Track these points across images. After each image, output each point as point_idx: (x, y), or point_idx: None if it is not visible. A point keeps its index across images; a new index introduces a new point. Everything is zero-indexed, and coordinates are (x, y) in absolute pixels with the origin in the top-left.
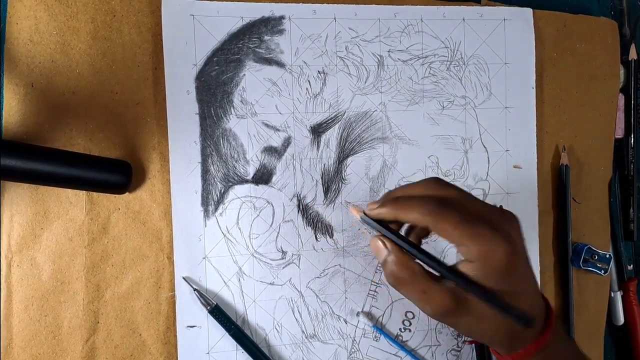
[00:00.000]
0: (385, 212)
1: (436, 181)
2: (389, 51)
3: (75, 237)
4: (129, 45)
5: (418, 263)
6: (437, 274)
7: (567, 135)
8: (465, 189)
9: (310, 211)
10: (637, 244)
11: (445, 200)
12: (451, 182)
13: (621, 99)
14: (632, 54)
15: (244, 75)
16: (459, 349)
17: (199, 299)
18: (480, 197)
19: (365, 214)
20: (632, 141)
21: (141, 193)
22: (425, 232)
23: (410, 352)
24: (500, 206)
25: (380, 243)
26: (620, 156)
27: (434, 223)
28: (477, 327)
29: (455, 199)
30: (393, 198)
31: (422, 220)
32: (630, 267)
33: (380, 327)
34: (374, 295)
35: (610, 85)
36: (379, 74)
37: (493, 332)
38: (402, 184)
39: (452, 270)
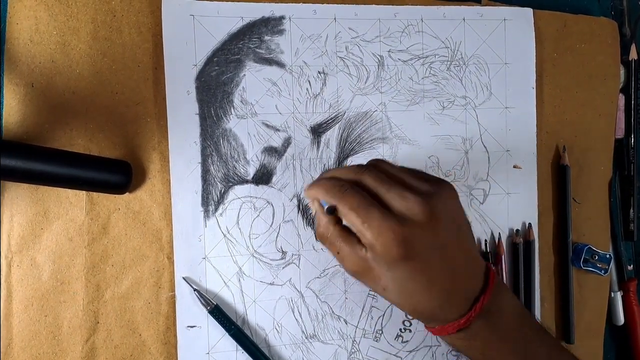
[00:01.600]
0: (311, 192)
1: (360, 165)
2: (389, 51)
3: (75, 237)
4: (129, 45)
5: (338, 225)
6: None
7: (567, 136)
8: (465, 189)
9: (310, 211)
10: (637, 244)
11: (358, 183)
12: (383, 164)
13: (621, 99)
14: (633, 54)
15: (244, 75)
16: None
17: (199, 299)
18: (481, 197)
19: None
20: (632, 141)
21: (141, 193)
22: None
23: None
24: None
25: (315, 202)
26: (620, 156)
27: (338, 205)
28: (386, 296)
29: (368, 183)
30: (319, 177)
31: (328, 201)
32: (631, 267)
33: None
34: (374, 295)
35: (611, 86)
36: (379, 74)
37: (403, 307)
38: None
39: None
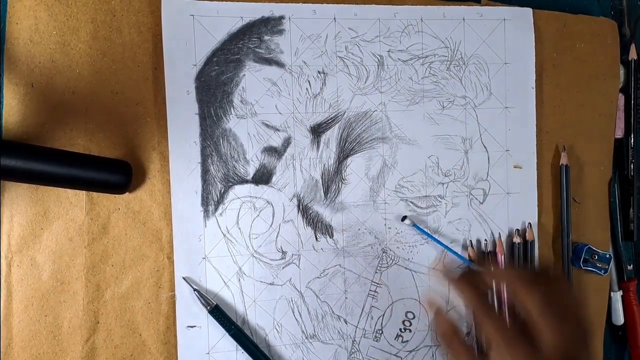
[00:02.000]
0: (454, 288)
1: (537, 275)
2: (388, 51)
3: (75, 237)
4: (129, 45)
5: (464, 339)
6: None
7: (567, 135)
8: (465, 188)
9: (310, 211)
10: (637, 244)
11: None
12: (560, 276)
13: (621, 99)
14: (632, 54)
15: (244, 75)
16: None
17: (199, 299)
18: (480, 197)
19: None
20: (632, 141)
21: (141, 193)
22: None
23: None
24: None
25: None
26: (620, 156)
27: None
28: None
29: (527, 303)
30: (457, 274)
31: (487, 338)
32: (630, 267)
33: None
34: (374, 295)
35: (610, 85)
36: (379, 74)
37: None
38: (402, 184)
39: None
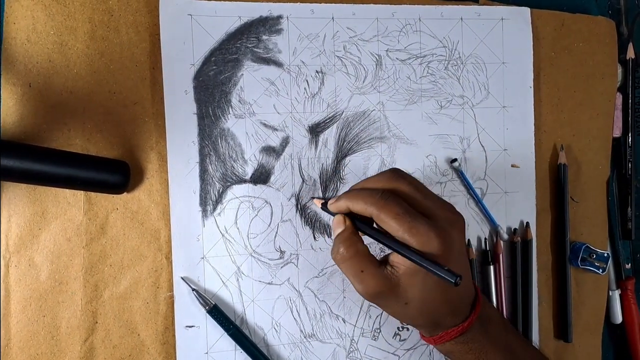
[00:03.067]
0: (340, 204)
1: (392, 173)
2: (387, 50)
3: (74, 237)
4: (127, 44)
5: (364, 246)
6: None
7: (565, 134)
8: (463, 188)
9: (309, 211)
10: (635, 243)
11: (394, 192)
12: (408, 174)
13: (619, 98)
14: (630, 53)
15: (242, 75)
16: None
17: (197, 299)
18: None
19: (325, 205)
20: (629, 140)
21: (139, 193)
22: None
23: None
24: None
25: (341, 218)
26: (618, 155)
27: (376, 214)
28: (404, 312)
29: (405, 191)
30: (348, 190)
31: (366, 211)
32: (628, 266)
33: None
34: None
35: (608, 85)
36: (377, 74)
37: (419, 317)
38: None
39: (397, 242)
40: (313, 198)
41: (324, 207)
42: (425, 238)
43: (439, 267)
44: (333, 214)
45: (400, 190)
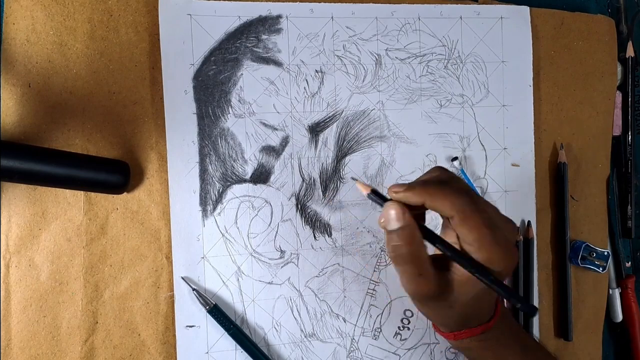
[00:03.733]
0: (411, 196)
1: (450, 174)
2: (386, 50)
3: (74, 237)
4: (126, 44)
5: (426, 247)
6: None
7: (564, 133)
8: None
9: (309, 210)
10: (635, 241)
11: (474, 197)
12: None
13: (618, 97)
14: (629, 52)
15: (242, 74)
16: None
17: (197, 298)
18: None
19: (375, 193)
20: (629, 138)
21: (139, 193)
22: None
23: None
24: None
25: (398, 210)
26: (617, 154)
27: (462, 219)
28: (443, 313)
29: (480, 200)
30: (421, 183)
31: (450, 212)
32: (628, 264)
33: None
34: (372, 293)
35: (608, 83)
36: (376, 73)
37: (451, 318)
38: (401, 182)
39: (462, 255)
40: (354, 179)
41: (372, 197)
42: (504, 254)
43: (518, 297)
44: (381, 203)
45: (477, 198)
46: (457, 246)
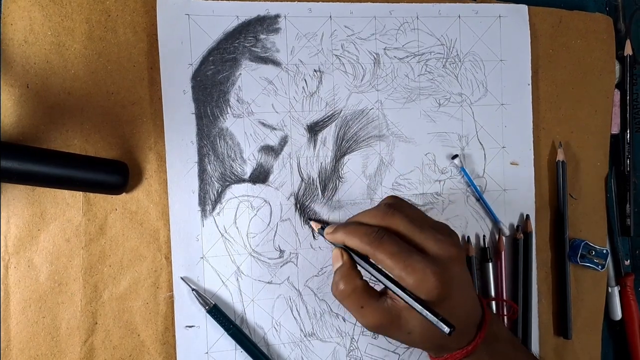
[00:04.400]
0: (337, 237)
1: (387, 208)
2: (385, 49)
3: (73, 238)
4: (124, 45)
5: (363, 280)
6: (379, 288)
7: (563, 132)
8: (462, 185)
9: (308, 210)
10: (634, 239)
11: (389, 228)
12: (405, 203)
13: (617, 95)
14: (628, 50)
15: (240, 74)
16: None
17: (197, 298)
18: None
19: (322, 230)
20: (628, 136)
21: (138, 193)
22: None
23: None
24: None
25: (338, 252)
26: (616, 152)
27: (372, 253)
28: (408, 339)
29: (400, 228)
30: (344, 223)
31: (362, 248)
32: (627, 263)
33: None
34: None
35: (606, 81)
36: (375, 72)
37: (423, 344)
38: (399, 181)
39: (394, 282)
40: (311, 220)
41: (321, 232)
42: (422, 276)
43: (433, 314)
44: (331, 243)
45: (395, 227)
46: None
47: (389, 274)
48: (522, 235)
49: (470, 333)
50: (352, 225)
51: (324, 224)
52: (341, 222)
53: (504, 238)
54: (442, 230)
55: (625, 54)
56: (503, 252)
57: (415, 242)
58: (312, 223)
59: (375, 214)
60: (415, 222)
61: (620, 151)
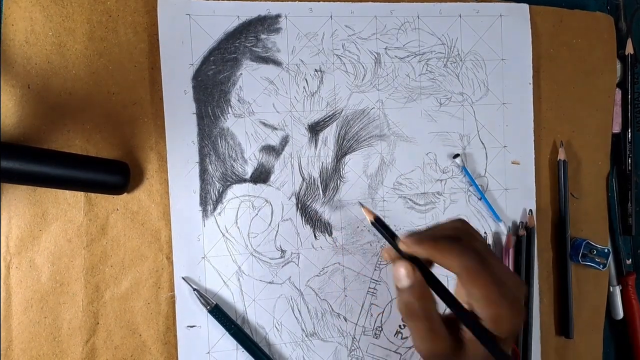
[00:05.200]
0: (421, 251)
1: (468, 227)
2: (385, 48)
3: (74, 238)
4: (125, 45)
5: (436, 304)
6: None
7: (564, 131)
8: (463, 185)
9: (309, 209)
10: (636, 239)
11: (481, 255)
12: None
13: (618, 94)
14: (629, 49)
15: (241, 74)
16: None
17: (198, 298)
18: (479, 193)
19: (379, 222)
20: (629, 136)
21: (139, 193)
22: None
23: None
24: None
25: (408, 269)
26: (617, 151)
27: (468, 275)
28: None
29: (489, 257)
30: (431, 237)
31: (458, 270)
32: (629, 262)
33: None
34: (373, 292)
35: (607, 80)
36: (376, 72)
37: None
38: (401, 181)
39: (469, 316)
40: (362, 205)
41: (377, 224)
42: (507, 315)
43: (502, 355)
44: (385, 235)
45: (484, 254)
46: (465, 303)
47: (463, 306)
48: (524, 232)
49: None
50: (444, 241)
51: (374, 216)
52: (414, 233)
53: (512, 236)
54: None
55: (626, 53)
56: (511, 250)
57: (500, 274)
58: (365, 210)
59: (457, 229)
60: (491, 253)
61: (622, 150)
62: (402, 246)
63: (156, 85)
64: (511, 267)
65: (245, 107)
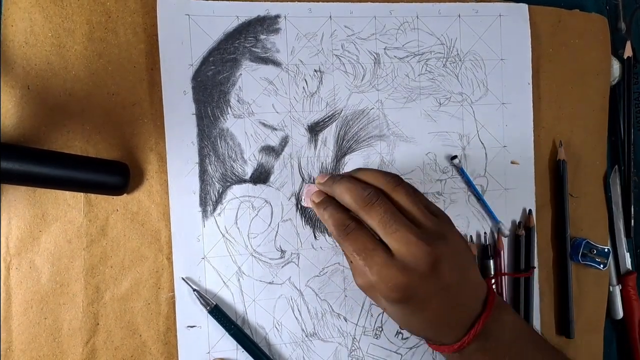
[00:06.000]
0: (324, 187)
1: (394, 177)
2: (385, 49)
3: (74, 239)
4: (125, 46)
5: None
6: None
7: (563, 130)
8: (463, 185)
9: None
10: (636, 238)
11: (384, 191)
12: (410, 185)
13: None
14: (627, 51)
15: (241, 74)
16: None
17: (198, 299)
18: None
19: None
20: (629, 136)
21: (139, 194)
22: None
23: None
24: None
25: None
26: (617, 151)
27: (360, 212)
28: (386, 312)
29: (400, 199)
30: (339, 176)
31: (352, 206)
32: (629, 262)
33: None
34: None
35: (602, 81)
36: (375, 72)
37: (419, 325)
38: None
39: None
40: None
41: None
42: (378, 276)
43: None
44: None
45: (373, 212)
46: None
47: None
48: (523, 232)
49: (457, 331)
50: (347, 180)
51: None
52: (336, 174)
53: (503, 239)
54: (424, 228)
55: (625, 56)
56: (502, 252)
57: (413, 215)
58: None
59: (378, 176)
60: (396, 213)
61: (621, 151)
62: (317, 183)
63: (156, 86)
64: (506, 268)
65: (244, 108)
